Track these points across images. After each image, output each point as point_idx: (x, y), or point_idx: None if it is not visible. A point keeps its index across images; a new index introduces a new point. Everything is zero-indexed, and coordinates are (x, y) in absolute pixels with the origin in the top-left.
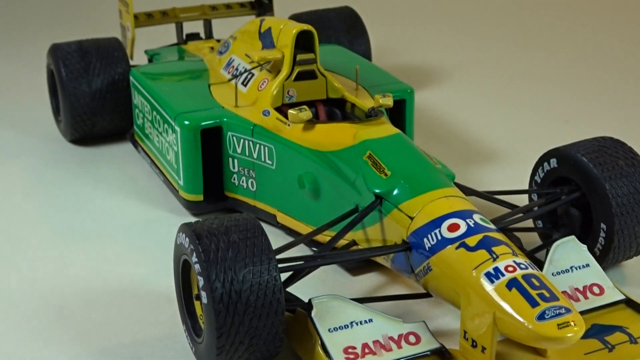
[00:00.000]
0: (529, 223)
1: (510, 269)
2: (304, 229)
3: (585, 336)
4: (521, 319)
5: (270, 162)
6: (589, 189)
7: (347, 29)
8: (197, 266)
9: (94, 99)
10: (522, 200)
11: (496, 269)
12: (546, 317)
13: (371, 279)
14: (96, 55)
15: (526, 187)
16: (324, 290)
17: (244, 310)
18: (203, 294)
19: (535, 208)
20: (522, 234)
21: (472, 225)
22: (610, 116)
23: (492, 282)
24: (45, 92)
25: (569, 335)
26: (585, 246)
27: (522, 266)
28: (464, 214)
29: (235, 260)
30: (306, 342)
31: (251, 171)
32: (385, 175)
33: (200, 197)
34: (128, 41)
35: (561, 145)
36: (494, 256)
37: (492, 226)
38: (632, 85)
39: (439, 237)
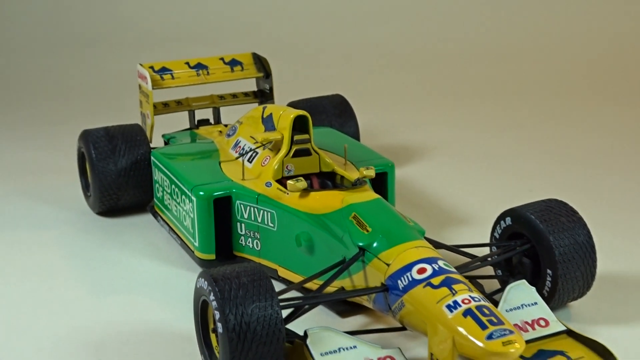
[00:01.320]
0: (491, 271)
1: (466, 301)
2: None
3: (531, 358)
4: (474, 340)
5: (272, 225)
6: (537, 241)
7: (338, 114)
8: (214, 303)
9: (119, 176)
10: (485, 252)
11: (455, 302)
12: (494, 337)
13: (357, 320)
14: (121, 139)
15: (487, 241)
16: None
17: (252, 338)
18: (219, 325)
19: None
20: (485, 281)
21: (437, 269)
22: (565, 182)
23: (451, 311)
24: (76, 173)
25: (511, 350)
26: (534, 288)
27: (476, 299)
28: (430, 260)
29: (244, 298)
30: None
31: (256, 233)
32: (367, 231)
33: (213, 256)
34: (148, 127)
35: (515, 206)
36: (454, 292)
37: (453, 269)
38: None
39: (410, 279)
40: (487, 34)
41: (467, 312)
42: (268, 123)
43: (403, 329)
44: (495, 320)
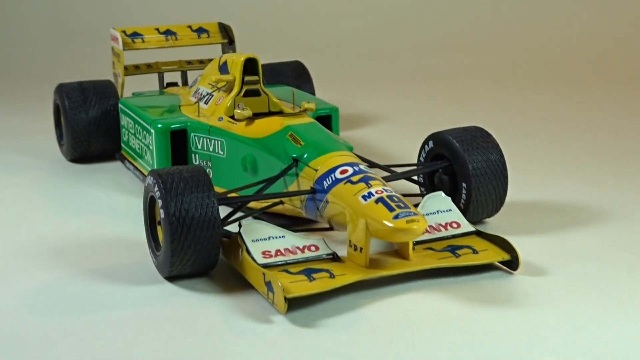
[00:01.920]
0: (416, 190)
1: (379, 192)
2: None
3: (440, 251)
4: (382, 220)
5: (222, 153)
6: (454, 159)
7: (295, 77)
8: (157, 193)
9: (90, 124)
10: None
11: (369, 192)
12: (399, 217)
13: None
14: (93, 91)
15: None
16: None
17: (190, 223)
18: (161, 212)
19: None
20: (409, 198)
21: (357, 170)
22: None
23: (365, 200)
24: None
25: (414, 227)
26: (449, 197)
27: (388, 191)
28: (352, 164)
29: (184, 189)
30: (236, 254)
31: (208, 162)
32: (300, 144)
33: None
34: (119, 85)
35: (436, 131)
36: (369, 185)
37: (371, 171)
38: None
39: (333, 179)
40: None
41: (379, 200)
42: (223, 69)
43: (330, 229)
44: (402, 205)
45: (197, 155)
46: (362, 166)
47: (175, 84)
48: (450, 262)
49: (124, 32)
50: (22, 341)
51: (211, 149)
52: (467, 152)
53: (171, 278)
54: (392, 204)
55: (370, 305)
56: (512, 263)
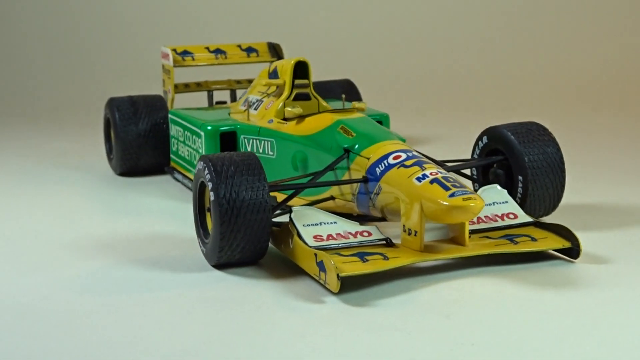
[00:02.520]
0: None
1: (433, 173)
2: (300, 201)
3: (497, 239)
4: (438, 199)
5: (272, 153)
6: (509, 152)
7: (345, 94)
8: (207, 176)
9: (139, 136)
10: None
11: (424, 174)
12: (455, 195)
13: None
14: (143, 104)
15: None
16: None
17: (240, 205)
18: (211, 194)
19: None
20: None
21: (410, 155)
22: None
23: (420, 182)
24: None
25: (471, 204)
26: (505, 190)
27: (442, 172)
28: (405, 150)
29: (235, 172)
30: (287, 240)
31: None
32: (352, 135)
33: None
34: (169, 101)
35: (491, 126)
36: (423, 168)
37: (425, 158)
38: None
39: (386, 165)
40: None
41: (434, 181)
42: (273, 76)
43: (382, 220)
44: (458, 184)
45: None
46: (416, 152)
47: (224, 103)
48: (508, 248)
49: (174, 50)
50: (69, 317)
51: (261, 150)
52: (523, 144)
53: (220, 266)
54: (448, 184)
55: (426, 288)
56: (573, 251)
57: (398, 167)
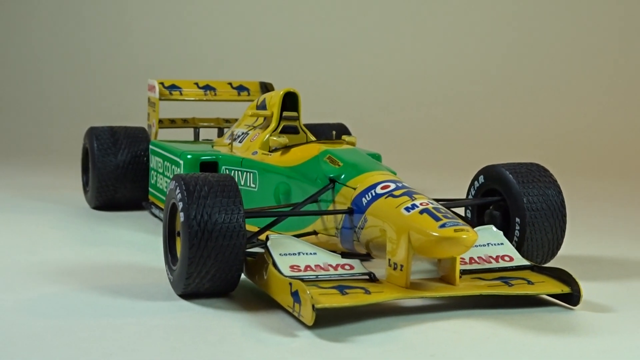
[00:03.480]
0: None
1: (424, 203)
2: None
3: (491, 280)
4: (427, 230)
5: (253, 186)
6: (507, 193)
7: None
8: (179, 196)
9: (118, 168)
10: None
11: (413, 204)
12: (446, 225)
13: None
14: (124, 135)
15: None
16: None
17: (212, 229)
18: (181, 215)
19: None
20: None
21: (400, 185)
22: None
23: (408, 211)
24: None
25: (463, 236)
26: (501, 232)
27: (433, 203)
28: (395, 181)
29: (209, 192)
30: (261, 271)
31: None
32: (338, 165)
33: None
34: (152, 135)
35: (488, 165)
36: (413, 198)
37: (415, 190)
38: None
39: (373, 195)
40: None
41: (424, 211)
42: (261, 107)
43: (367, 257)
44: (449, 216)
45: None
46: (406, 184)
47: (211, 141)
48: (502, 290)
49: (162, 83)
50: (17, 339)
51: (242, 182)
52: (522, 184)
53: (187, 296)
54: (439, 214)
55: (409, 327)
56: (573, 297)
57: (386, 197)
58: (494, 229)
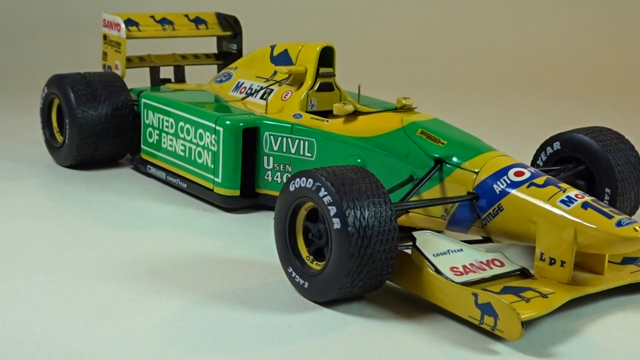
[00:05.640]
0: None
1: (579, 196)
2: None
3: (621, 263)
4: (605, 229)
5: (309, 155)
6: (593, 161)
7: None
8: (327, 198)
9: (100, 123)
10: None
11: (568, 197)
12: (623, 224)
13: None
14: (100, 84)
15: None
16: None
17: (371, 234)
18: (335, 220)
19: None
20: None
21: (534, 172)
22: None
23: (568, 206)
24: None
25: None
26: None
27: (587, 195)
28: (523, 165)
29: (359, 192)
30: (411, 272)
31: (287, 166)
32: (442, 144)
33: (237, 192)
34: None
35: (563, 132)
36: (563, 189)
37: (551, 177)
38: None
39: (508, 182)
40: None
41: (586, 205)
42: (281, 59)
43: (488, 240)
44: (615, 210)
45: (271, 159)
46: (532, 168)
47: (169, 81)
48: None
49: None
50: None
51: (293, 150)
52: (610, 153)
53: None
54: (605, 210)
55: (588, 327)
56: None
57: (528, 186)
58: None
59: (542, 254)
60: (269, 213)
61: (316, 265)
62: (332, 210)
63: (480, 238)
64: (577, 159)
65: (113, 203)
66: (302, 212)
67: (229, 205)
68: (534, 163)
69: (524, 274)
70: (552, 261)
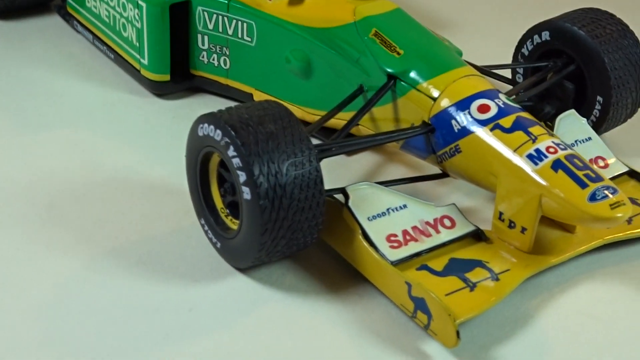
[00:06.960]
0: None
1: (551, 150)
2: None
3: None
4: (572, 201)
5: (249, 39)
6: (586, 61)
7: None
8: (236, 160)
9: None
10: (507, 73)
11: (537, 151)
12: (597, 198)
13: (366, 158)
14: None
15: (508, 60)
16: (326, 172)
17: (289, 205)
18: (245, 189)
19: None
20: None
21: (502, 106)
22: None
23: (535, 164)
24: None
25: (619, 215)
26: (585, 119)
27: (562, 147)
28: (490, 94)
29: (276, 151)
30: (341, 233)
31: (224, 48)
32: (398, 54)
33: (167, 77)
34: None
35: (552, 18)
36: (532, 137)
37: (518, 106)
38: None
39: (469, 119)
40: None
41: (557, 165)
42: None
43: (443, 175)
44: (592, 175)
45: (206, 37)
46: (503, 97)
47: None
48: (627, 232)
49: None
50: None
51: (230, 32)
52: (606, 54)
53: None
54: (579, 174)
55: (545, 310)
56: None
57: (492, 128)
58: (577, 116)
59: (501, 213)
60: (206, 98)
61: (232, 223)
62: (242, 177)
63: (439, 172)
64: (567, 54)
65: (28, 80)
66: (215, 158)
67: (157, 90)
68: (517, 52)
69: (477, 236)
70: (512, 224)
